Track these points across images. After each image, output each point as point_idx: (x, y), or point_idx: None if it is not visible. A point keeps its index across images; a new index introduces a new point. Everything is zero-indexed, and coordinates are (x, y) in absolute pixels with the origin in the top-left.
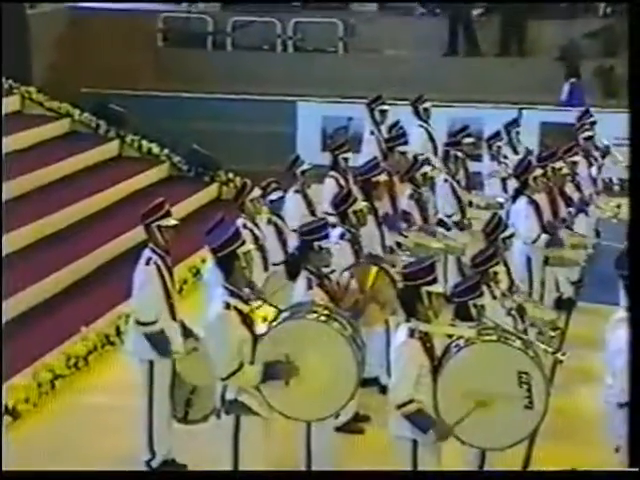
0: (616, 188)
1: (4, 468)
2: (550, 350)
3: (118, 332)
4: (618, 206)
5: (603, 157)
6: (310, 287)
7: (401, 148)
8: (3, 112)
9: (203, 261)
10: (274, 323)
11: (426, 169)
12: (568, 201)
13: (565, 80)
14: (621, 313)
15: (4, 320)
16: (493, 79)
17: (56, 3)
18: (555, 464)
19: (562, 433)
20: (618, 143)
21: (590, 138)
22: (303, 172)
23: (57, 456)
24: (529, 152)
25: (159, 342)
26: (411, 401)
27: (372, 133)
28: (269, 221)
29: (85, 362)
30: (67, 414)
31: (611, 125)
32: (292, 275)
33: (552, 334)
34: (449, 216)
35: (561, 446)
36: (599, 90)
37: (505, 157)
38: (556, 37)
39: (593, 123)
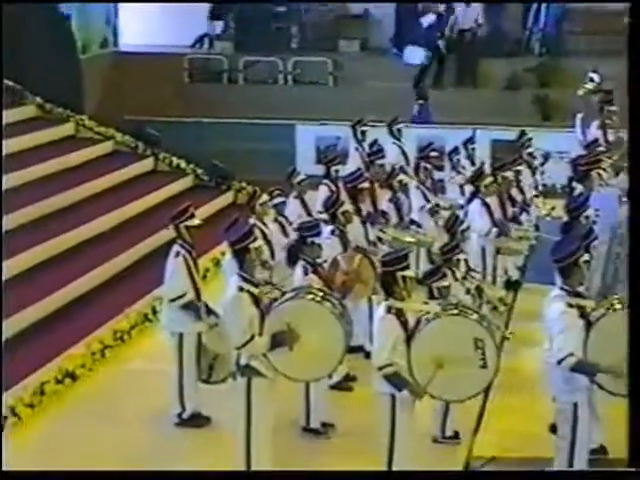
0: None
1: (4, 468)
2: (500, 328)
3: (154, 311)
4: (553, 207)
5: (542, 164)
6: (306, 273)
7: (379, 161)
8: (58, 135)
9: (222, 254)
10: (277, 302)
11: (401, 177)
12: (514, 202)
13: (415, 102)
14: (556, 291)
15: (63, 302)
16: (452, 105)
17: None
18: (505, 412)
19: (511, 387)
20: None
21: (530, 154)
22: (299, 182)
23: (107, 412)
24: (483, 163)
25: (192, 309)
26: (389, 364)
27: (356, 149)
28: (275, 220)
29: (129, 335)
30: (115, 377)
31: (547, 141)
32: (291, 263)
33: (502, 308)
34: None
35: (510, 398)
36: (536, 114)
37: (463, 168)
38: (502, 71)
39: (530, 139)
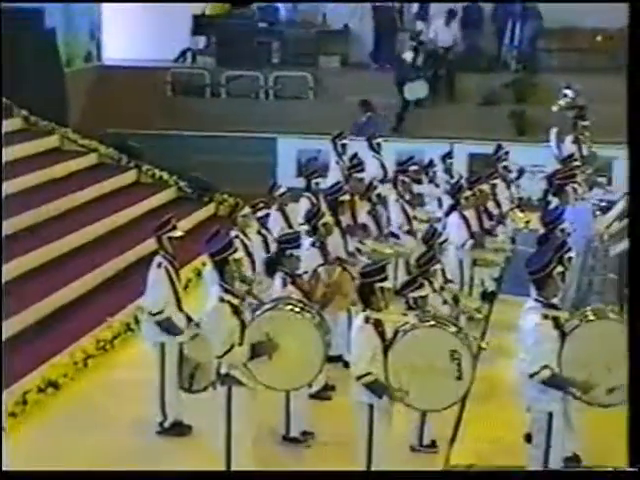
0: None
1: (4, 468)
2: (477, 339)
3: (136, 321)
4: (528, 220)
5: (518, 178)
6: (285, 285)
7: (358, 175)
8: (43, 147)
9: (203, 264)
10: (257, 313)
11: (380, 190)
12: (490, 215)
13: (364, 114)
14: (531, 302)
15: (46, 312)
16: (432, 120)
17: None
18: (481, 421)
19: (487, 397)
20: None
21: (506, 167)
22: (281, 194)
23: (90, 420)
24: (461, 177)
25: (168, 326)
26: (368, 373)
27: (337, 162)
28: (258, 232)
29: (111, 345)
30: (97, 386)
31: (523, 155)
32: (270, 274)
33: (479, 317)
34: (400, 226)
35: (486, 407)
36: (513, 128)
37: (447, 181)
38: (479, 87)
39: (507, 153)
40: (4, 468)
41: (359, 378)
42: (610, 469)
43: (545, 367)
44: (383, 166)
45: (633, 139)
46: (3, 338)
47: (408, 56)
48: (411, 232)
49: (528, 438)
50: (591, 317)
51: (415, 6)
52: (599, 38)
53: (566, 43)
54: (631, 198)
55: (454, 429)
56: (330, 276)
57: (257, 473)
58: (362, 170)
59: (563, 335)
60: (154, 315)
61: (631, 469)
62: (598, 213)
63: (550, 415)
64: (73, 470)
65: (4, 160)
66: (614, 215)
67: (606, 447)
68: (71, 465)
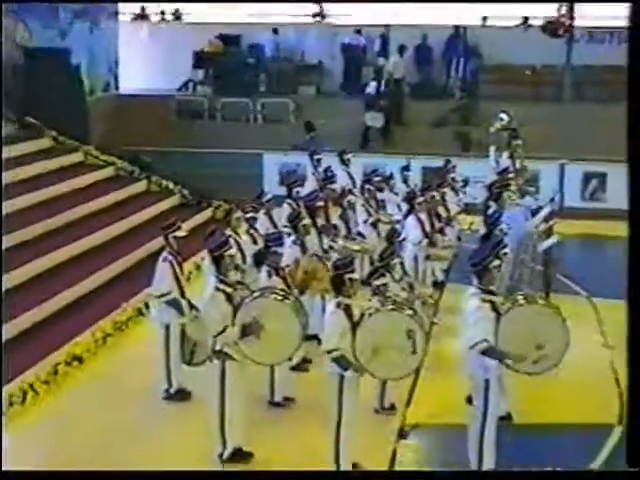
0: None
1: (4, 467)
2: (430, 318)
3: (147, 306)
4: (471, 222)
5: (463, 187)
6: (270, 276)
7: (331, 186)
8: (69, 162)
9: (202, 259)
10: (247, 300)
11: (350, 198)
12: (440, 218)
13: (306, 134)
14: (472, 289)
15: (73, 298)
16: (391, 139)
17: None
18: (431, 387)
19: (436, 369)
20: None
21: (453, 178)
22: (267, 201)
23: (108, 388)
24: (416, 186)
25: (174, 305)
26: (336, 349)
27: (313, 174)
28: (248, 232)
29: (126, 326)
30: (114, 360)
31: (467, 168)
32: (258, 267)
33: (431, 302)
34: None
35: (435, 376)
36: (458, 146)
37: (403, 190)
38: (431, 112)
39: (454, 166)
40: (4, 468)
41: (330, 352)
42: (610, 469)
43: (483, 341)
44: (351, 177)
45: (633, 140)
46: (35, 321)
47: (372, 87)
48: (375, 232)
49: (469, 400)
50: (522, 301)
51: (377, 45)
52: (528, 72)
53: (501, 76)
54: (631, 198)
55: (409, 394)
56: (308, 263)
57: (258, 473)
58: (334, 182)
59: (498, 316)
60: (161, 297)
61: (631, 469)
62: (529, 216)
63: (487, 381)
64: (73, 470)
65: (37, 173)
66: (541, 218)
67: (532, 407)
68: (93, 424)
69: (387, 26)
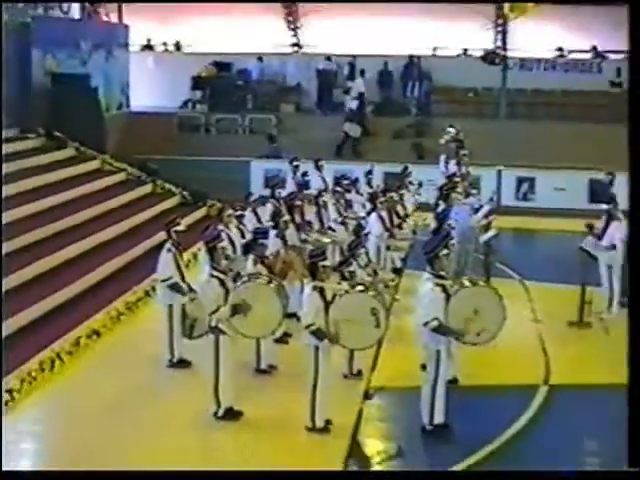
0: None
1: (4, 467)
2: (391, 295)
3: (153, 289)
4: (425, 218)
5: (418, 189)
6: (256, 264)
7: (306, 192)
8: (89, 169)
9: (199, 249)
10: (237, 284)
11: (323, 198)
12: (398, 215)
13: (269, 144)
14: (426, 275)
15: (91, 283)
16: (358, 148)
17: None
18: (392, 356)
19: (396, 341)
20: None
21: (410, 182)
22: (253, 200)
23: (120, 356)
24: (378, 187)
25: (176, 288)
26: (313, 324)
27: (292, 178)
28: (237, 227)
29: (136, 306)
30: (126, 334)
31: (421, 174)
32: (247, 256)
33: (392, 285)
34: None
35: (396, 347)
36: (414, 155)
37: (367, 192)
38: (391, 126)
39: (410, 172)
40: (4, 468)
41: (307, 327)
42: (610, 469)
43: (435, 319)
44: (324, 181)
45: (633, 143)
46: (61, 302)
47: (353, 104)
48: (343, 227)
49: (423, 367)
50: (467, 284)
51: (346, 70)
52: (471, 94)
53: (449, 97)
54: (631, 198)
55: (373, 362)
56: (287, 255)
57: (257, 473)
58: (308, 188)
59: (448, 297)
60: (164, 281)
61: (631, 469)
62: (472, 213)
63: (438, 352)
64: (73, 470)
65: (62, 178)
66: (482, 215)
67: (475, 371)
68: (109, 385)
69: (354, 55)
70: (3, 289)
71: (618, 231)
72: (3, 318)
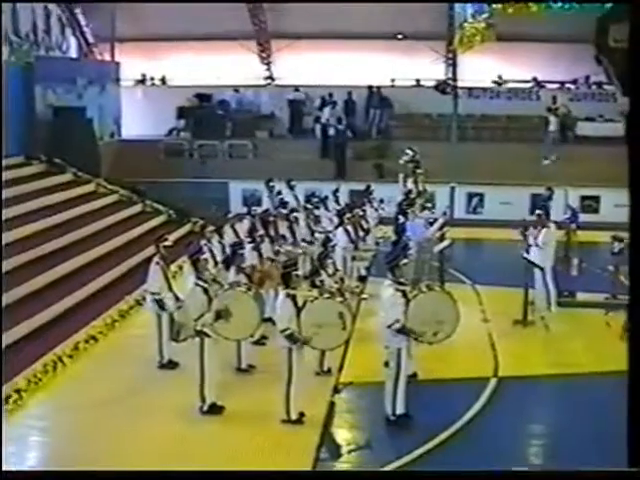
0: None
1: (4, 467)
2: (357, 298)
3: (143, 298)
4: (385, 232)
5: (379, 205)
6: (237, 273)
7: (282, 210)
8: (85, 191)
9: (184, 262)
10: (219, 292)
11: (294, 214)
12: (363, 228)
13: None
14: (387, 281)
15: (88, 293)
16: (326, 170)
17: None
18: (358, 355)
19: (361, 341)
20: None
21: (373, 198)
22: (231, 218)
23: (115, 359)
24: (346, 204)
25: (160, 304)
26: (287, 329)
27: (268, 197)
28: (218, 241)
29: (128, 313)
30: (120, 339)
31: (382, 191)
32: (227, 267)
33: (357, 291)
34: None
35: (360, 346)
36: (376, 174)
37: (334, 208)
38: (354, 148)
39: (372, 190)
40: (4, 468)
41: (282, 332)
42: (610, 469)
43: (397, 321)
44: (296, 198)
45: (633, 143)
46: (61, 310)
47: (332, 130)
48: (313, 239)
49: (386, 364)
50: (424, 289)
51: (317, 101)
52: (426, 121)
53: (408, 122)
54: (632, 199)
55: (341, 360)
56: (263, 266)
57: (256, 473)
58: (284, 205)
59: (407, 301)
60: (153, 294)
61: (631, 469)
62: (427, 225)
63: (399, 350)
64: (73, 470)
65: (61, 200)
66: (436, 227)
67: (432, 367)
68: (105, 382)
69: (321, 86)
70: (11, 300)
71: (546, 236)
72: (11, 326)
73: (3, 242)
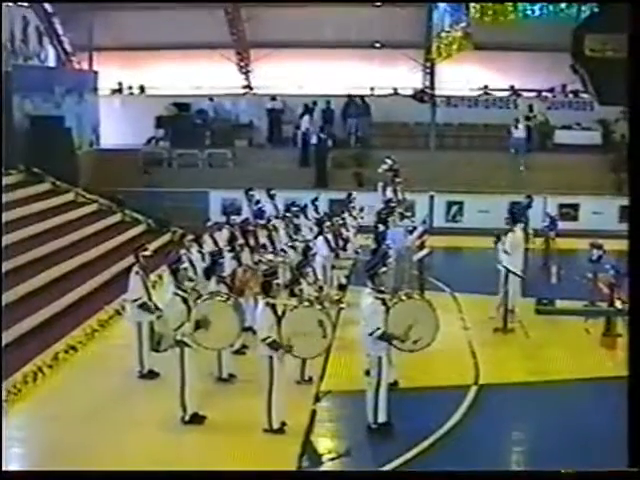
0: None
1: (4, 468)
2: (337, 308)
3: (122, 308)
4: (367, 239)
5: (359, 213)
6: (217, 283)
7: (259, 221)
8: (64, 201)
9: (164, 272)
10: (198, 301)
11: (274, 223)
12: (342, 237)
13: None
14: (367, 290)
15: (69, 302)
16: (306, 178)
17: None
18: (338, 363)
19: (342, 349)
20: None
21: (353, 207)
22: (211, 226)
23: (94, 369)
24: (325, 213)
25: (145, 307)
26: (268, 337)
27: (248, 206)
28: (198, 251)
29: (108, 323)
30: (100, 349)
31: (363, 199)
32: (207, 277)
33: (336, 299)
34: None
35: (341, 355)
36: (355, 183)
37: (314, 217)
38: (334, 157)
39: (353, 198)
40: (4, 468)
41: (263, 340)
42: (610, 469)
43: (378, 329)
44: (276, 207)
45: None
46: (41, 320)
47: (314, 139)
48: (293, 248)
49: (367, 372)
50: (403, 298)
51: (299, 109)
52: (405, 130)
53: (386, 131)
54: (632, 199)
55: (322, 369)
56: (243, 275)
57: (255, 473)
58: (262, 215)
59: (387, 309)
60: (135, 301)
61: (631, 469)
62: (407, 234)
63: (380, 358)
64: (73, 470)
65: (39, 209)
66: (416, 236)
67: (413, 375)
68: (84, 394)
69: (299, 95)
70: None
71: (512, 241)
72: None
73: None
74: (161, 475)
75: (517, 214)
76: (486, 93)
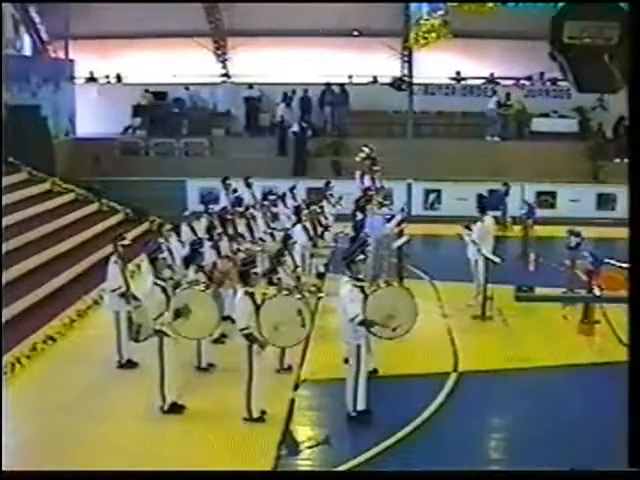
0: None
1: (4, 468)
2: (316, 297)
3: (101, 297)
4: (345, 227)
5: (338, 201)
6: (195, 272)
7: (238, 209)
8: (40, 190)
9: (142, 261)
10: (178, 290)
11: (252, 212)
12: (321, 225)
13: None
14: (346, 278)
15: (46, 292)
16: (283, 167)
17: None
18: (318, 352)
19: (321, 338)
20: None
21: (331, 195)
22: (188, 215)
23: (73, 358)
24: (304, 201)
25: (125, 296)
26: (246, 327)
27: (225, 195)
28: (177, 240)
29: (86, 313)
30: (78, 339)
31: (341, 187)
32: (186, 266)
33: (314, 288)
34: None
35: (320, 343)
36: (333, 171)
37: (292, 205)
38: (313, 146)
39: (331, 187)
40: (4, 468)
41: (241, 330)
42: (610, 469)
43: (357, 315)
44: (254, 196)
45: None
46: (18, 311)
47: (296, 128)
48: (271, 237)
49: (346, 361)
50: (382, 285)
51: (278, 98)
52: (382, 118)
53: (365, 119)
54: (631, 200)
55: (302, 357)
56: (223, 266)
57: (254, 473)
58: (240, 203)
59: (366, 297)
60: (114, 291)
61: (631, 469)
62: (385, 222)
63: (359, 346)
64: (73, 470)
65: (16, 200)
66: (394, 224)
67: (392, 362)
68: (63, 385)
69: (277, 84)
70: None
71: (479, 231)
72: None
73: None
74: (161, 475)
75: (493, 202)
76: (457, 80)
